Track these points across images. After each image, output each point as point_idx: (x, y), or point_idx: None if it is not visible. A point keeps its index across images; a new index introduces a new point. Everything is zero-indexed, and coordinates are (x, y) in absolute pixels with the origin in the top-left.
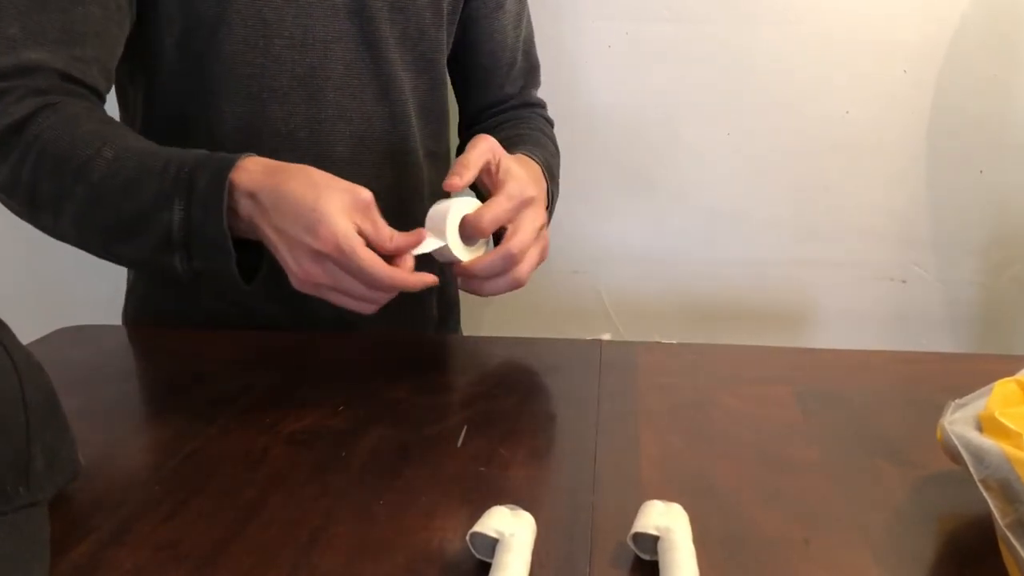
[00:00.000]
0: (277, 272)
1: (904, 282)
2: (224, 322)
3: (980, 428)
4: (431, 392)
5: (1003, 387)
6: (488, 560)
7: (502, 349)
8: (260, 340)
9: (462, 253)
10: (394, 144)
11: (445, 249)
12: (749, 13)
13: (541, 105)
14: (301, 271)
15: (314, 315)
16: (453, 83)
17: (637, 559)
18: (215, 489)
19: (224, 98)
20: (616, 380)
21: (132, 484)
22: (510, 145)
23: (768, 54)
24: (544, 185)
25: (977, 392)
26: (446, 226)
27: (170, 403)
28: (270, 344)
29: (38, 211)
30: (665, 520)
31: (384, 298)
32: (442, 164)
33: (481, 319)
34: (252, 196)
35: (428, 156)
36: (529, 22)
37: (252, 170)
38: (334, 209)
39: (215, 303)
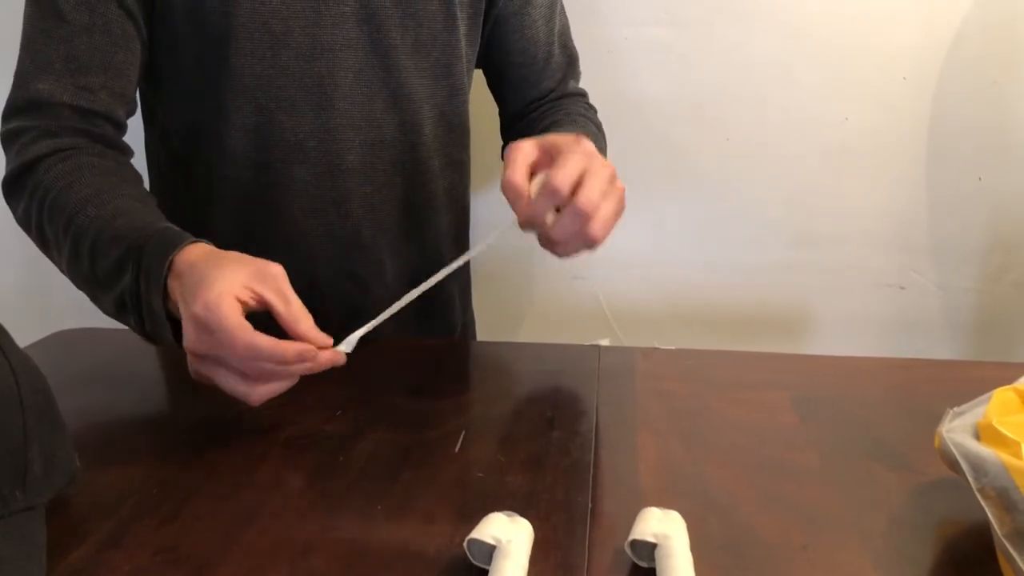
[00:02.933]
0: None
1: (903, 288)
2: None
3: (978, 436)
4: (429, 397)
5: (1002, 395)
6: (485, 567)
7: (501, 354)
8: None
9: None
10: (406, 152)
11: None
12: (748, 18)
13: (582, 94)
14: (187, 342)
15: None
16: (489, 85)
17: (635, 566)
18: (213, 493)
19: (233, 110)
20: (615, 386)
21: (130, 488)
22: (545, 132)
23: (767, 60)
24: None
25: (975, 400)
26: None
27: (168, 407)
28: None
29: (47, 250)
30: (663, 527)
31: (267, 381)
32: (463, 173)
33: (480, 324)
34: (179, 277)
35: (447, 165)
36: (563, 13)
37: (193, 253)
38: (220, 275)
39: None
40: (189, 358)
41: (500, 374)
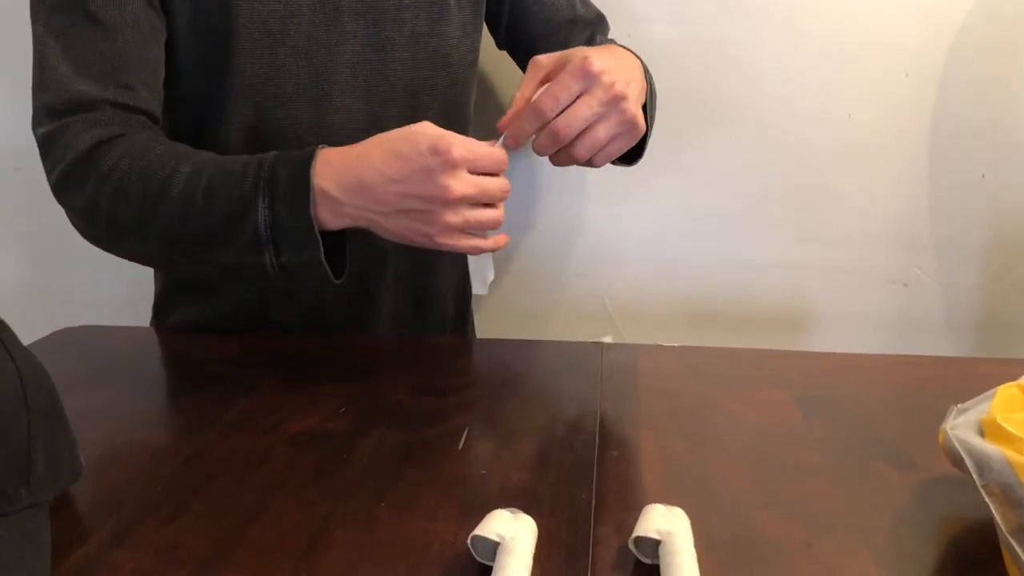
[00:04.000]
0: (297, 283)
1: (906, 285)
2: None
3: (982, 433)
4: (432, 394)
5: (1006, 392)
6: (489, 563)
7: (504, 351)
8: (262, 342)
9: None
10: None
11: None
12: (751, 16)
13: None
14: (452, 191)
15: (327, 319)
16: (519, 63)
17: (638, 563)
18: (216, 491)
19: (232, 108)
20: (618, 383)
21: (133, 486)
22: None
23: (770, 57)
24: (634, 62)
25: (979, 396)
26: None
27: (171, 405)
28: (272, 346)
29: (121, 237)
30: (667, 524)
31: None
32: None
33: (483, 321)
34: (347, 170)
35: None
36: None
37: (332, 154)
38: (433, 128)
39: (236, 320)
40: (443, 218)
41: (503, 371)
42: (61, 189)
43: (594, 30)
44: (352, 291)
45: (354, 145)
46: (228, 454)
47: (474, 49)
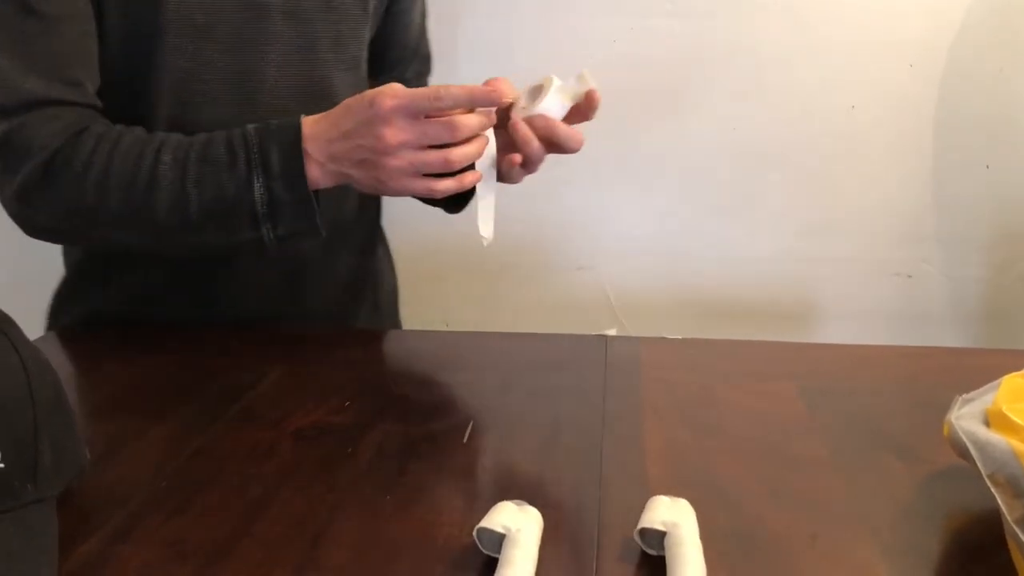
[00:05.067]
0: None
1: (910, 277)
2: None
3: (987, 423)
4: (437, 388)
5: (1011, 382)
6: (495, 555)
7: (507, 345)
8: (267, 337)
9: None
10: None
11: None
12: (754, 8)
13: None
14: (386, 139)
15: (223, 315)
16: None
17: (644, 554)
18: (222, 485)
19: (158, 104)
20: (621, 376)
21: (139, 480)
22: None
23: (773, 49)
24: None
25: (984, 387)
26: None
27: (176, 399)
28: (277, 341)
29: (96, 228)
30: (672, 515)
31: (463, 124)
32: None
33: (486, 315)
34: (314, 139)
35: None
36: (426, 9)
37: (310, 122)
38: (388, 86)
39: (137, 306)
40: (385, 166)
41: (507, 364)
42: (28, 196)
43: (423, 68)
44: (280, 291)
45: (327, 112)
46: (233, 448)
47: None
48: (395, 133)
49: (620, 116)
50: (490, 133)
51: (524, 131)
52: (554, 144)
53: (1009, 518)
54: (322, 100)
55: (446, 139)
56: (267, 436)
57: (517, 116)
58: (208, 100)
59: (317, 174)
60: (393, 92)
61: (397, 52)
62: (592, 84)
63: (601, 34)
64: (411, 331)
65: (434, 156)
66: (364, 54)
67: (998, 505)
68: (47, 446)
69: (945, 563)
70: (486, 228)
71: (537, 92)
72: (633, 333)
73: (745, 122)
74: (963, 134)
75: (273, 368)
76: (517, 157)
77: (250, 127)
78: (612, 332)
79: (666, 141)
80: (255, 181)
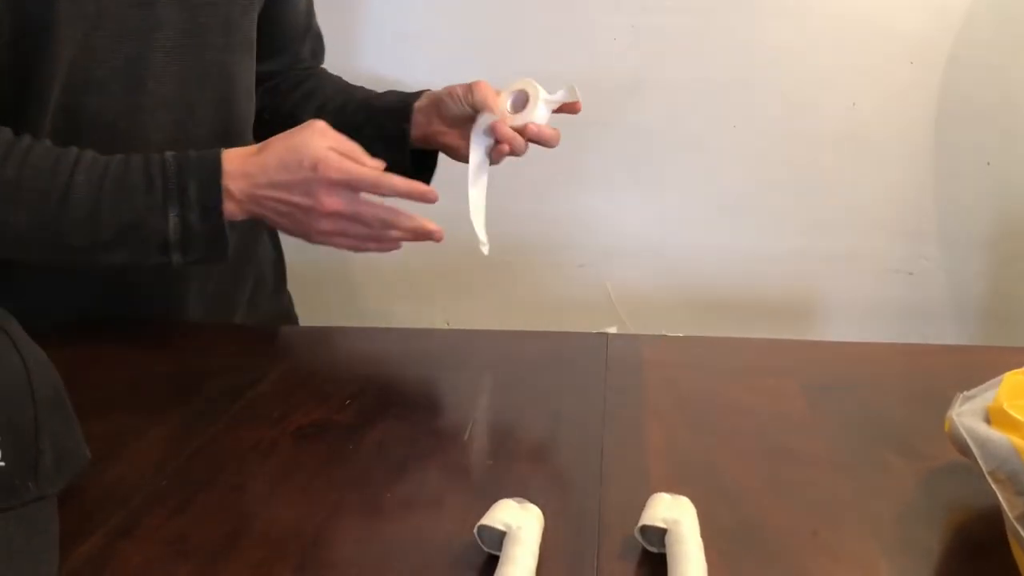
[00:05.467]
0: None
1: (911, 274)
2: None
3: (989, 420)
4: (438, 386)
5: (1012, 379)
6: (496, 553)
7: (508, 343)
8: (268, 334)
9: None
10: (217, 129)
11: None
12: (755, 4)
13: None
14: (323, 204)
15: (46, 313)
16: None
17: (645, 551)
18: (223, 483)
19: (46, 92)
20: (622, 373)
21: (140, 479)
22: (382, 94)
23: (774, 45)
24: None
25: (986, 384)
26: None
27: (177, 397)
28: (278, 338)
29: (6, 244)
30: (673, 513)
31: (389, 226)
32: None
33: (486, 313)
34: (246, 176)
35: (248, 137)
36: None
37: (235, 158)
38: (322, 147)
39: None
40: (313, 228)
41: (507, 362)
42: None
43: (317, 47)
44: (167, 280)
45: (254, 148)
46: (235, 446)
47: None
48: (333, 201)
49: (621, 113)
50: (479, 139)
51: (510, 134)
52: (537, 143)
53: (1010, 515)
54: (213, 84)
55: (375, 229)
56: (268, 434)
57: (504, 126)
58: (96, 87)
59: (233, 209)
60: (339, 166)
61: (286, 31)
62: (578, 98)
63: (602, 31)
64: (412, 329)
65: (358, 232)
66: (254, 34)
67: (999, 502)
68: (48, 444)
69: (946, 560)
70: (483, 235)
71: (521, 98)
72: (634, 331)
73: (746, 119)
74: (964, 131)
75: (274, 366)
76: (505, 147)
77: (169, 155)
78: (613, 330)
79: (666, 138)
80: (170, 211)
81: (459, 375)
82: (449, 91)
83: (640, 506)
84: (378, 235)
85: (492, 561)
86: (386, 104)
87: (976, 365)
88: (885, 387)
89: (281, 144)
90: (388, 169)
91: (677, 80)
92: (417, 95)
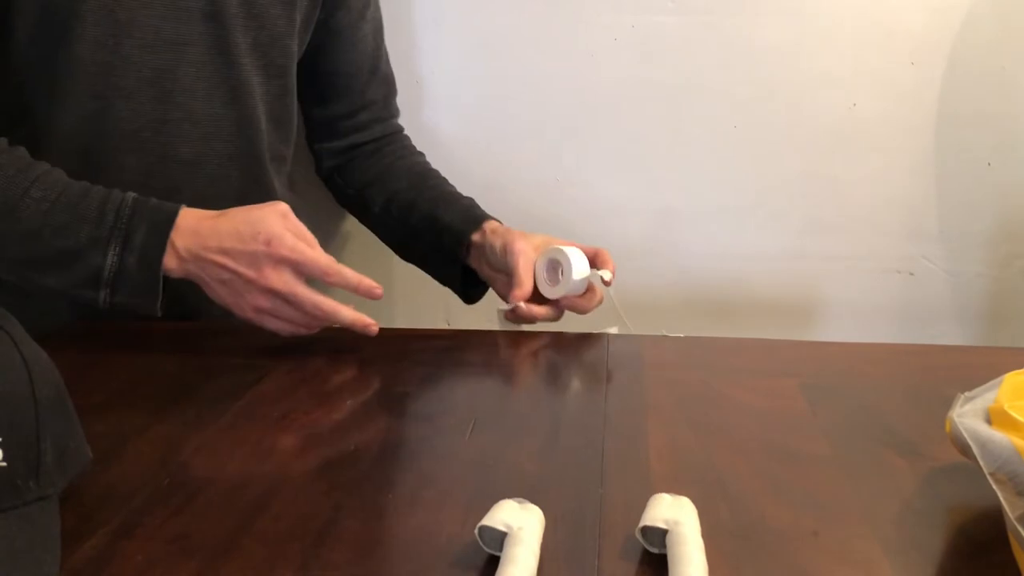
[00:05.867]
0: None
1: (912, 275)
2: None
3: (990, 421)
4: (439, 386)
5: (1013, 379)
6: (497, 553)
7: (509, 343)
8: (268, 334)
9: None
10: (241, 147)
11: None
12: (755, 4)
13: (398, 115)
14: (266, 278)
15: (47, 313)
16: (305, 90)
17: (645, 552)
18: (224, 482)
19: (70, 95)
20: (623, 374)
21: (141, 478)
22: (451, 200)
23: (774, 46)
24: None
25: (987, 385)
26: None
27: (178, 396)
28: (278, 338)
29: None
30: (674, 513)
31: (323, 318)
32: (285, 168)
33: (487, 313)
34: (196, 234)
35: (274, 160)
36: (384, 38)
37: (191, 218)
38: (279, 226)
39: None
40: (244, 304)
41: (509, 363)
42: None
43: (389, 92)
44: (182, 293)
45: (214, 213)
46: (236, 445)
47: (296, 62)
48: (276, 278)
49: (622, 114)
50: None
51: (528, 317)
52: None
53: (1011, 515)
54: (238, 104)
55: (308, 317)
56: (269, 434)
57: (522, 310)
58: (123, 96)
59: (173, 265)
60: (292, 246)
61: (349, 72)
62: (609, 282)
63: (603, 31)
64: (413, 329)
65: (292, 318)
66: (291, 64)
67: (1000, 502)
68: (49, 444)
69: (947, 560)
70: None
71: (554, 268)
72: (634, 331)
73: (746, 119)
74: (965, 131)
75: (275, 366)
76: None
77: (130, 196)
78: (614, 330)
79: (667, 139)
80: (110, 249)
81: (460, 375)
82: (491, 244)
83: (641, 506)
84: (308, 323)
85: (493, 562)
86: (448, 224)
87: (977, 366)
88: (886, 387)
89: (240, 215)
90: (441, 280)
91: (677, 80)
92: (477, 223)
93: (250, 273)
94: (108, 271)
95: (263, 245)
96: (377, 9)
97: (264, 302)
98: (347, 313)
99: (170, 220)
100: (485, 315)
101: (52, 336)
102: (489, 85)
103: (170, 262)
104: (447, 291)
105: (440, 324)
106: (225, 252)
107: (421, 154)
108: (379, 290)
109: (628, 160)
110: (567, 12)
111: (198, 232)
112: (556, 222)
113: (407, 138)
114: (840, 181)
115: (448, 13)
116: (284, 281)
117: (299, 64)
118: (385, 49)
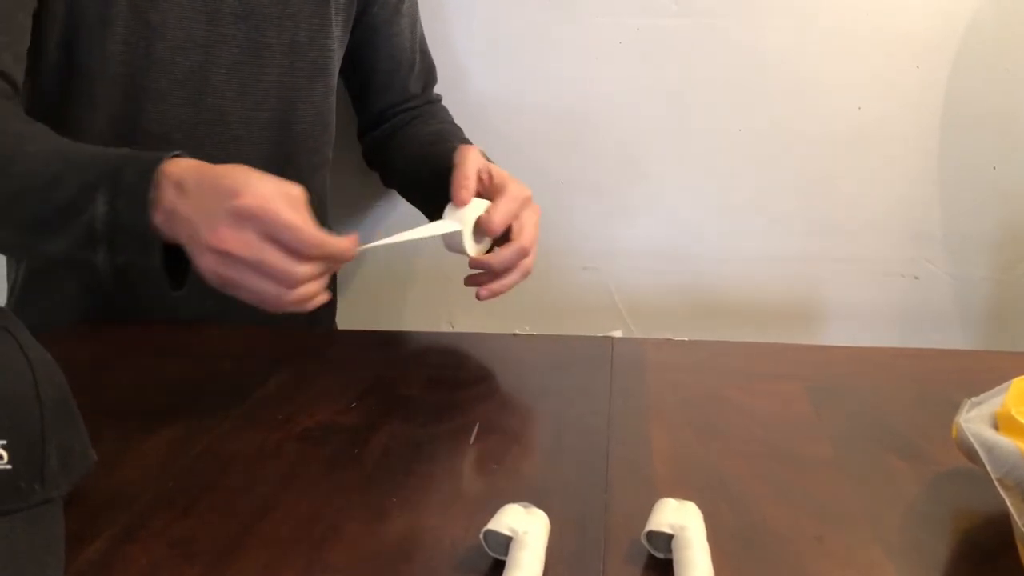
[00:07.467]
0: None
1: (916, 278)
2: None
3: (996, 426)
4: (443, 389)
5: (1020, 384)
6: (502, 558)
7: (513, 346)
8: (272, 336)
9: (471, 248)
10: (274, 149)
11: (458, 236)
12: (760, 8)
13: (440, 100)
14: (215, 238)
15: (52, 314)
16: (349, 88)
17: (651, 557)
18: (228, 486)
19: (101, 96)
20: (627, 377)
21: (146, 481)
22: (446, 135)
23: (779, 49)
24: None
25: (994, 390)
26: (464, 220)
27: (182, 399)
28: (283, 341)
29: None
30: (679, 518)
31: (302, 284)
32: (327, 169)
33: (491, 317)
34: (179, 185)
35: (314, 161)
36: (421, 25)
37: (182, 164)
38: (259, 178)
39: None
40: (209, 260)
41: (513, 366)
42: None
43: (428, 80)
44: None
45: (210, 165)
46: (240, 448)
47: (340, 61)
48: (233, 238)
49: (625, 115)
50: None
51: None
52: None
53: (1018, 521)
54: (272, 105)
55: (276, 282)
56: (273, 437)
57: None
58: (155, 97)
59: (162, 219)
60: (263, 197)
61: (389, 68)
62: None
63: (606, 34)
64: (417, 332)
65: (259, 288)
66: (332, 62)
67: (1006, 508)
68: (54, 447)
69: (952, 565)
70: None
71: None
72: (639, 334)
73: (751, 123)
74: (970, 135)
75: (279, 369)
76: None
77: (125, 150)
78: (618, 333)
79: (671, 142)
80: (100, 194)
81: (464, 378)
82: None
83: (646, 511)
84: (276, 292)
85: (498, 566)
86: (438, 156)
87: (981, 370)
88: (890, 391)
89: (230, 169)
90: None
91: (681, 83)
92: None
93: (203, 231)
94: (100, 221)
95: (227, 197)
96: (413, 3)
97: (213, 264)
98: (333, 249)
99: (158, 160)
100: (488, 318)
101: (57, 339)
102: (493, 88)
103: (160, 215)
104: (450, 294)
105: (443, 327)
106: (196, 207)
107: (449, 120)
108: (349, 253)
109: (631, 163)
110: (571, 15)
111: (177, 178)
112: (558, 225)
113: (442, 109)
114: (844, 184)
115: (449, 15)
116: (245, 243)
117: (344, 65)
118: (423, 38)
